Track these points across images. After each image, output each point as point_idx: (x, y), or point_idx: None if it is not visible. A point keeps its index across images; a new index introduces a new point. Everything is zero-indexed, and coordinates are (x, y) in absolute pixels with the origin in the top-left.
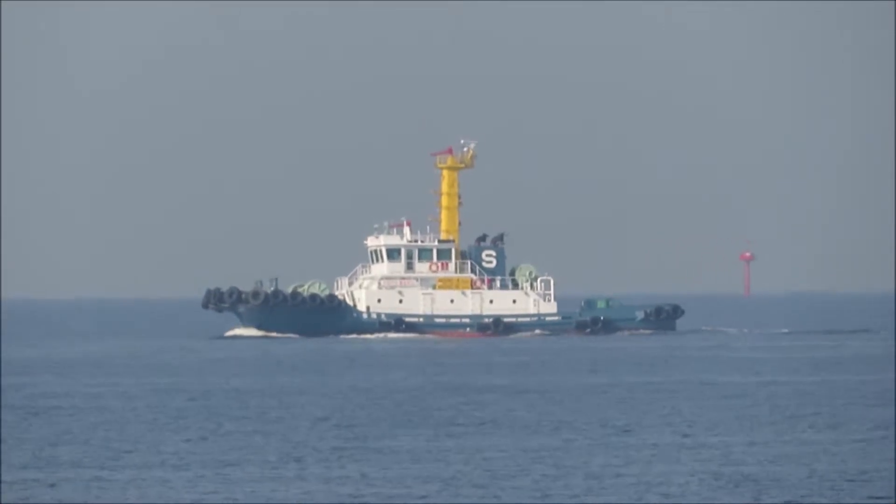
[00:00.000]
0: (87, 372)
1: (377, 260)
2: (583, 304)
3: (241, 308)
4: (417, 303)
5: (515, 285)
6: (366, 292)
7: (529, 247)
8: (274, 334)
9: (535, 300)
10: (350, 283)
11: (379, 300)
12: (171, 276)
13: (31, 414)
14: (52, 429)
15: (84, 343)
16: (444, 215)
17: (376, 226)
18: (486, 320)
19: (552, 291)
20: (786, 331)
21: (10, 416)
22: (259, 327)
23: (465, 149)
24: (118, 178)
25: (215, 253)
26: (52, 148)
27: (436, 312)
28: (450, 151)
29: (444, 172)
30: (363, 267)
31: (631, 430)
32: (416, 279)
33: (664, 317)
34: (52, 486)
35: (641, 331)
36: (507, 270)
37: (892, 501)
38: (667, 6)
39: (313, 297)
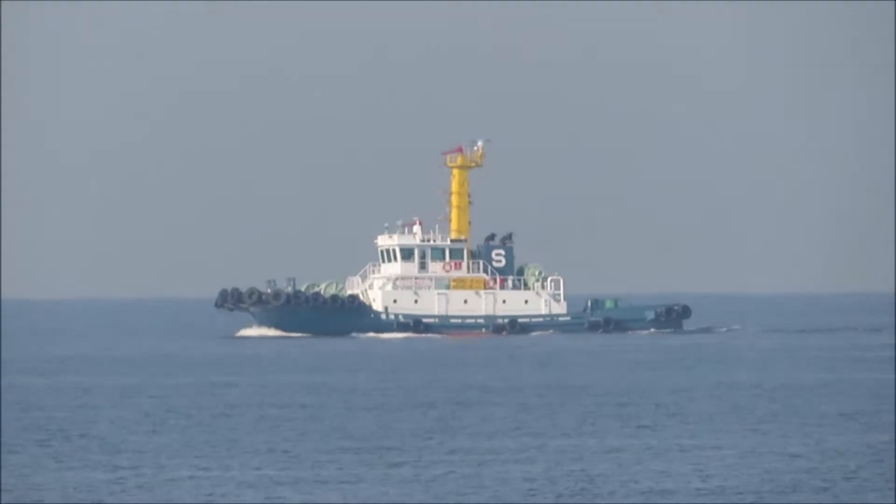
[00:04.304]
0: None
1: (389, 259)
2: (589, 303)
3: (256, 308)
4: (433, 303)
5: (524, 285)
6: (382, 293)
7: (536, 246)
8: (294, 335)
9: (546, 300)
10: (363, 283)
11: (395, 300)
12: (165, 275)
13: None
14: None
15: (127, 343)
16: (454, 214)
17: (387, 225)
18: (501, 321)
19: (562, 291)
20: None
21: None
22: (276, 327)
23: (475, 147)
24: (119, 179)
25: (217, 253)
26: (54, 147)
27: (450, 313)
28: (460, 150)
29: (455, 171)
30: (373, 266)
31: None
32: (431, 279)
33: (674, 317)
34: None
35: (652, 330)
36: (515, 270)
37: (893, 502)
38: (669, 6)
39: (334, 297)
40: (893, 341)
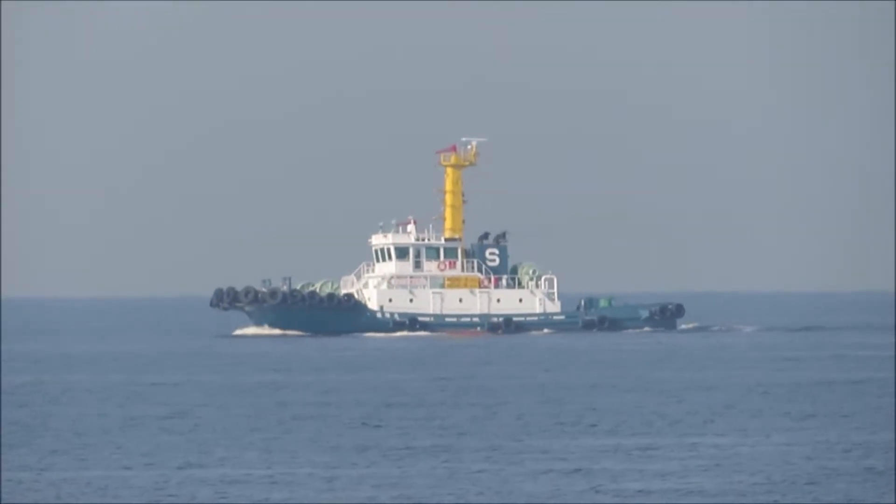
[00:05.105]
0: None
1: (384, 258)
2: (582, 302)
3: (252, 307)
4: (428, 302)
5: (518, 284)
6: (377, 291)
7: (529, 245)
8: (289, 333)
9: (540, 299)
10: (357, 282)
11: (390, 299)
12: (157, 275)
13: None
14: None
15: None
16: (448, 213)
17: (381, 224)
18: (496, 319)
19: (555, 290)
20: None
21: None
22: (272, 326)
23: (468, 146)
24: (115, 178)
25: (209, 253)
26: (54, 146)
27: (446, 312)
28: (454, 149)
29: (449, 170)
30: (367, 265)
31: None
32: (426, 278)
33: (668, 315)
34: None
35: (646, 329)
36: (509, 268)
37: (893, 502)
38: (669, 5)
39: (331, 296)
40: (893, 340)
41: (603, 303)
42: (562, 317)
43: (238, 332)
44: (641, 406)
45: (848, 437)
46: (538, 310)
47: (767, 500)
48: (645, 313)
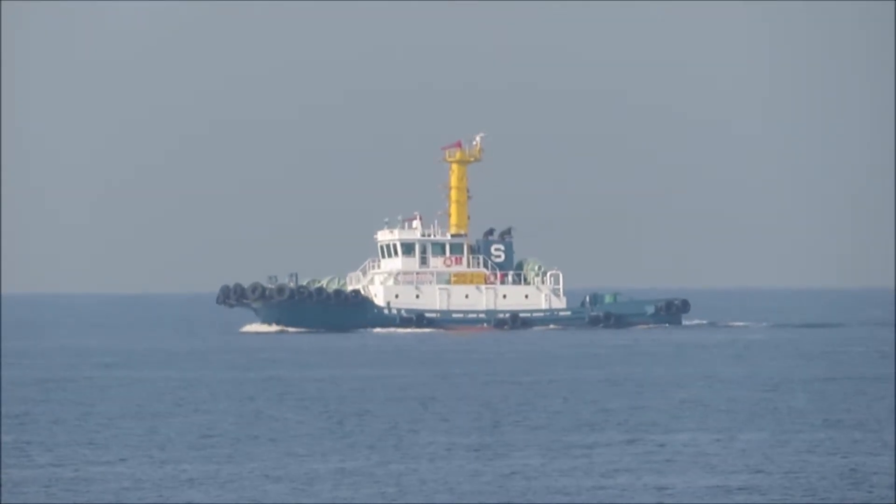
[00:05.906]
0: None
1: (390, 254)
2: (587, 298)
3: (259, 304)
4: (434, 298)
5: (524, 280)
6: (383, 287)
7: (534, 240)
8: (296, 330)
9: (546, 295)
10: (363, 278)
11: (396, 295)
12: (162, 273)
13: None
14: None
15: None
16: (453, 209)
17: (387, 220)
18: (502, 315)
19: (561, 286)
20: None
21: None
22: (279, 322)
23: (473, 142)
24: (117, 176)
25: (211, 250)
26: (54, 145)
27: (452, 308)
28: (458, 145)
29: (454, 166)
30: (372, 261)
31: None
32: (432, 274)
33: (674, 311)
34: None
35: (652, 325)
36: (515, 264)
37: (893, 502)
38: (670, 6)
39: (338, 292)
40: (893, 337)
41: (608, 298)
42: (568, 312)
43: (245, 328)
44: (669, 401)
45: (847, 435)
46: (544, 306)
47: (798, 500)
48: (651, 309)
